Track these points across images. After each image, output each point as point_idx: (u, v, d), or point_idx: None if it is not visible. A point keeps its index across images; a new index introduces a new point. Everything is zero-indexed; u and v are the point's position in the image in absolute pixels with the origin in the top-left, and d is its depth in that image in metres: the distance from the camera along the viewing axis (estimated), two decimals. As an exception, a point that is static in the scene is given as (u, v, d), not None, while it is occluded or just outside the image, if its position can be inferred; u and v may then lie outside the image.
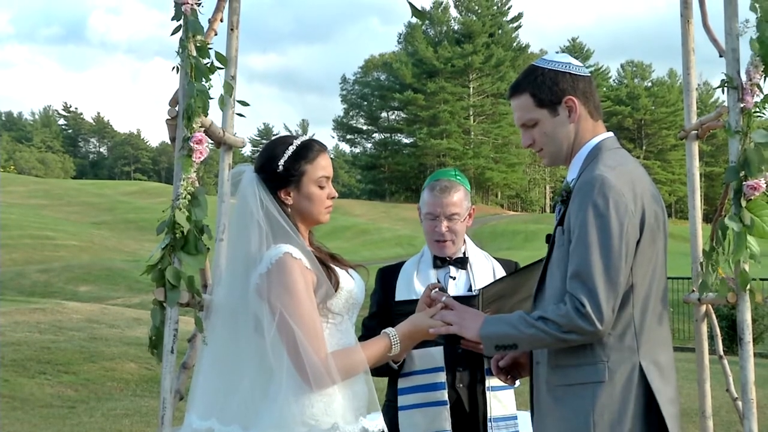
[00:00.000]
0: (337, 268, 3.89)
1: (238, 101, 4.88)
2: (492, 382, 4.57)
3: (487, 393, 4.59)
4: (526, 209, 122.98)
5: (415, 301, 4.16)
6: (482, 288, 4.32)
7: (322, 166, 3.87)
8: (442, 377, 4.57)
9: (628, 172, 3.54)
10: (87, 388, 13.78)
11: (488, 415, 4.57)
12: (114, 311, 20.87)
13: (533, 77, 3.72)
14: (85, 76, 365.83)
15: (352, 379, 3.73)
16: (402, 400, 4.61)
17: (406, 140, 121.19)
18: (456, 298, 4.03)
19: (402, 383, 4.63)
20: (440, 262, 4.75)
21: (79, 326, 17.63)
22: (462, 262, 4.73)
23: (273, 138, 4.12)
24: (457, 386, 4.59)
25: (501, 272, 4.77)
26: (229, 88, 4.73)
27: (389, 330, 3.86)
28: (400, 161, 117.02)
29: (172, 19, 4.43)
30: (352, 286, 3.90)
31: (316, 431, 3.61)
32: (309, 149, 3.85)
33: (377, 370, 4.21)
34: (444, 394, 4.55)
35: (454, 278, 4.69)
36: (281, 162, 3.81)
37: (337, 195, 3.96)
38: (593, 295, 3.37)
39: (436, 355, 4.56)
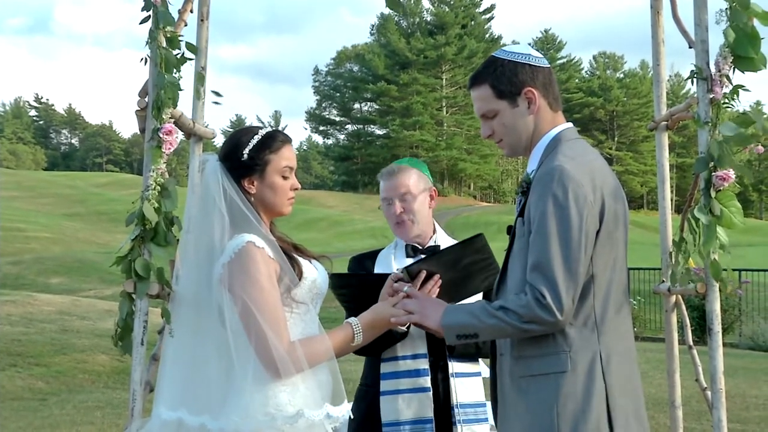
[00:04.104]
0: (300, 258, 3.90)
1: (213, 91, 4.87)
2: (456, 368, 4.59)
3: (451, 379, 4.59)
4: (499, 200, 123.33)
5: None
6: (407, 266, 4.26)
7: (286, 157, 3.88)
8: (425, 363, 4.56)
9: (587, 162, 3.55)
10: (58, 381, 13.74)
11: (453, 401, 4.58)
12: (85, 303, 20.77)
13: (493, 68, 3.73)
14: (56, 68, 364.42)
15: (316, 369, 3.74)
16: (384, 385, 4.59)
17: (378, 131, 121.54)
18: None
19: (384, 368, 4.62)
20: (413, 251, 4.76)
21: (51, 318, 17.56)
22: (434, 251, 4.73)
23: (238, 128, 4.13)
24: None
25: None
26: (200, 78, 4.71)
27: (352, 319, 3.88)
28: (373, 152, 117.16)
29: (142, 10, 4.41)
30: (316, 275, 3.91)
31: (280, 419, 3.61)
32: (274, 139, 3.87)
33: (371, 348, 4.17)
34: (427, 381, 4.54)
35: None
36: (246, 151, 3.82)
37: (300, 187, 3.97)
38: (553, 285, 3.38)
39: (419, 341, 4.56)
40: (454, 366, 4.59)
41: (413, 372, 4.57)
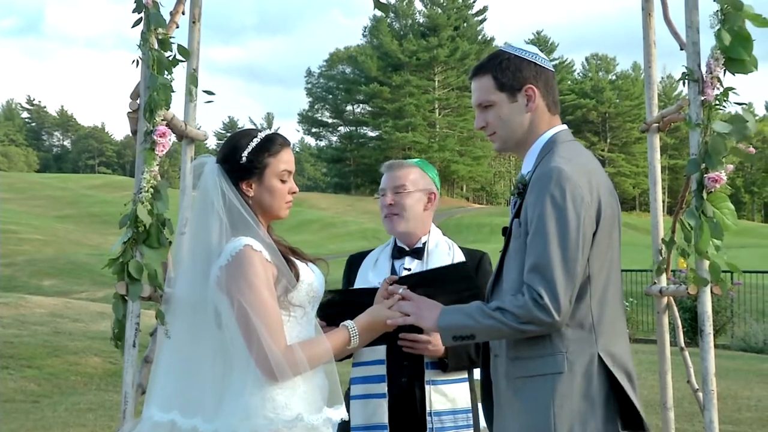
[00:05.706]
0: (297, 261, 3.89)
1: (204, 90, 4.87)
2: (431, 376, 4.57)
3: (426, 387, 4.57)
4: (492, 202, 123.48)
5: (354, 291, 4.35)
6: (397, 281, 4.25)
7: (285, 160, 3.87)
8: (382, 370, 4.58)
9: (583, 163, 3.57)
10: (50, 383, 13.69)
11: (428, 409, 4.57)
12: (78, 305, 20.70)
13: (498, 60, 3.75)
14: (48, 70, 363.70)
15: (314, 372, 3.74)
16: (353, 389, 4.65)
17: (371, 133, 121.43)
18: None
19: (353, 373, 4.68)
20: (399, 252, 4.77)
21: (43, 320, 17.50)
22: (418, 253, 4.75)
23: (237, 130, 4.13)
24: (401, 380, 4.59)
25: None
26: (192, 80, 4.71)
27: (348, 323, 3.88)
28: (366, 154, 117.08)
29: (134, 11, 4.40)
30: (313, 278, 3.91)
31: (279, 422, 3.61)
32: (273, 142, 3.86)
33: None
34: (383, 387, 4.56)
35: (409, 269, 4.70)
36: (245, 153, 3.81)
37: (297, 190, 3.97)
38: (551, 286, 3.38)
39: (378, 347, 4.55)
40: (429, 374, 4.58)
41: (373, 378, 4.60)
